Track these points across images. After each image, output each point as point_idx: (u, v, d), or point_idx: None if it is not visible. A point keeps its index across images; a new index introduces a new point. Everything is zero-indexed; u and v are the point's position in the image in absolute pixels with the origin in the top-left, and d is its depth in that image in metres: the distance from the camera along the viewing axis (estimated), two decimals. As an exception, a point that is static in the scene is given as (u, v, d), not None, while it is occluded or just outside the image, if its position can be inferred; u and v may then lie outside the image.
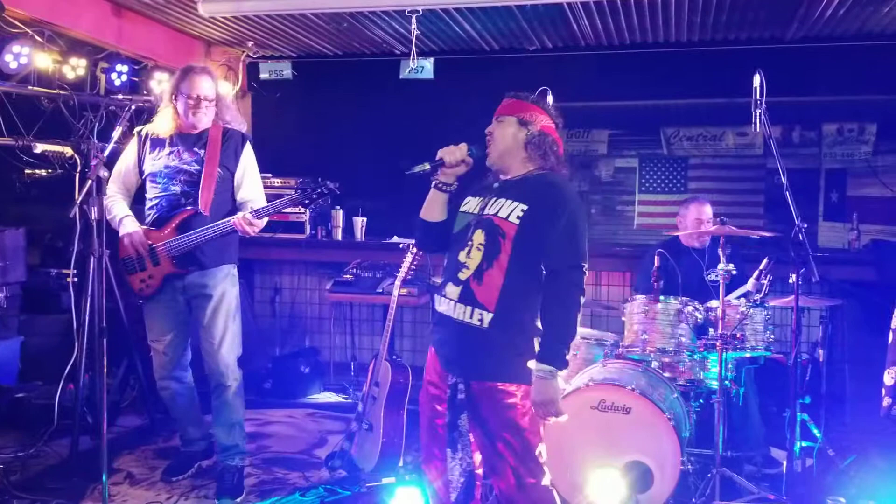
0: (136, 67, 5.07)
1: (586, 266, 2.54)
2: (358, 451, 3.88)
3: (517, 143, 2.66)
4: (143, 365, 4.55)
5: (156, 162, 3.67)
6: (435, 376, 2.70)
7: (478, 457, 2.71)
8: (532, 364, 2.51)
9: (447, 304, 2.62)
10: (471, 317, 2.55)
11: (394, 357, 3.97)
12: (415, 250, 3.97)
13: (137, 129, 3.81)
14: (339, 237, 5.61)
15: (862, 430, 4.31)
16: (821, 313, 4.46)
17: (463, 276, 2.58)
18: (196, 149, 3.65)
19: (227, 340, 3.68)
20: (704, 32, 5.07)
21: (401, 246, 4.03)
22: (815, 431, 4.00)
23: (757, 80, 3.74)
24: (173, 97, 3.66)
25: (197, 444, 3.94)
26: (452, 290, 2.60)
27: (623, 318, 4.09)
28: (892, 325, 3.29)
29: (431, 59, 5.19)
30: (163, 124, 3.68)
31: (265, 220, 3.66)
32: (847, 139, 6.15)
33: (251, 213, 3.54)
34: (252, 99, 6.09)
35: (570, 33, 5.12)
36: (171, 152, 3.66)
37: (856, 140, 6.12)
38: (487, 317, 2.53)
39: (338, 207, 5.63)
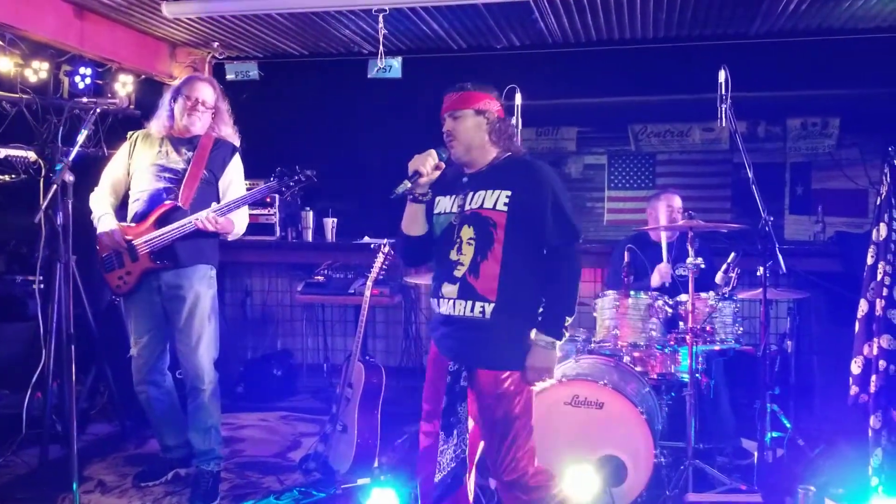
0: (100, 70, 4.99)
1: (581, 236, 2.67)
2: (332, 452, 3.86)
3: (480, 133, 2.69)
4: (112, 371, 4.49)
5: (143, 159, 3.66)
6: (436, 373, 2.77)
7: (475, 447, 2.77)
8: (532, 333, 2.61)
9: (446, 303, 2.66)
10: (472, 310, 2.61)
11: (367, 358, 3.96)
12: (386, 250, 3.97)
13: (130, 133, 3.80)
14: (310, 238, 5.58)
15: (830, 419, 4.38)
16: (788, 305, 4.52)
17: (458, 272, 2.63)
18: (185, 150, 3.65)
19: (203, 343, 3.65)
20: (670, 29, 5.12)
21: (372, 246, 4.02)
22: (785, 422, 4.07)
23: (722, 75, 3.79)
24: (172, 100, 3.66)
25: (175, 450, 3.88)
26: (450, 289, 2.65)
27: (594, 314, 4.12)
28: (858, 316, 3.34)
29: (399, 59, 5.17)
30: (157, 126, 3.68)
31: (241, 220, 3.66)
32: (811, 133, 6.25)
33: (216, 209, 3.52)
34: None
35: (538, 31, 5.14)
36: (159, 151, 3.66)
37: (820, 134, 6.22)
38: (489, 307, 2.59)
39: (308, 208, 5.60)
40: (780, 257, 3.55)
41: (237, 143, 3.85)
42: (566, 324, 2.62)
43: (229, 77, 5.78)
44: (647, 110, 6.52)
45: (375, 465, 3.84)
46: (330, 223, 5.55)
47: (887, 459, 3.21)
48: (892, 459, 3.22)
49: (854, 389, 3.31)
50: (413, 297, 5.63)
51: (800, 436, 4.00)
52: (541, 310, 2.64)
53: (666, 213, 4.41)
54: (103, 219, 3.64)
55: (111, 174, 3.76)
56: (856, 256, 3.82)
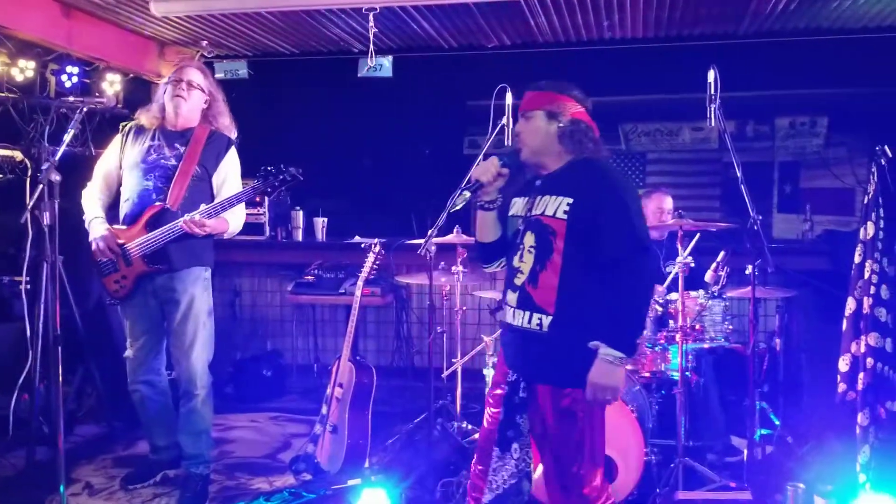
0: (87, 69, 4.95)
1: (649, 248, 2.45)
2: (323, 453, 3.84)
3: (549, 137, 2.53)
4: (100, 372, 4.46)
5: (134, 154, 3.58)
6: (501, 377, 2.64)
7: (538, 460, 2.65)
8: (598, 345, 2.39)
9: (509, 312, 2.56)
10: (529, 322, 2.48)
11: (357, 358, 3.94)
12: (377, 249, 3.94)
13: (123, 124, 3.72)
14: (300, 238, 5.56)
15: (819, 417, 4.39)
16: (777, 303, 4.54)
17: (518, 281, 2.52)
18: (177, 145, 3.57)
19: (197, 346, 3.61)
20: (660, 28, 5.13)
21: (362, 246, 4.00)
22: (774, 419, 4.08)
23: (711, 75, 3.80)
24: (164, 90, 3.60)
25: (164, 452, 3.84)
26: (511, 297, 2.55)
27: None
28: (846, 313, 3.35)
29: (390, 58, 5.16)
30: (147, 116, 3.61)
31: (236, 218, 3.61)
32: (799, 132, 6.29)
33: (200, 212, 3.43)
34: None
35: (528, 30, 5.13)
36: (150, 146, 3.57)
37: (808, 133, 6.26)
38: (547, 320, 2.44)
39: (298, 208, 5.58)
40: (768, 256, 3.56)
41: (234, 135, 3.76)
42: (636, 340, 2.44)
43: (218, 76, 5.73)
44: (638, 110, 6.54)
45: (366, 465, 3.83)
46: (320, 222, 5.53)
47: (875, 456, 3.22)
48: (879, 456, 3.23)
49: (842, 387, 3.32)
50: (404, 296, 5.62)
51: (789, 433, 4.02)
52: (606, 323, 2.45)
53: (656, 212, 4.43)
54: (94, 223, 3.58)
55: (103, 168, 3.69)
56: (844, 255, 3.83)
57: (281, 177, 3.50)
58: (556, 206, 2.45)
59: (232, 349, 5.84)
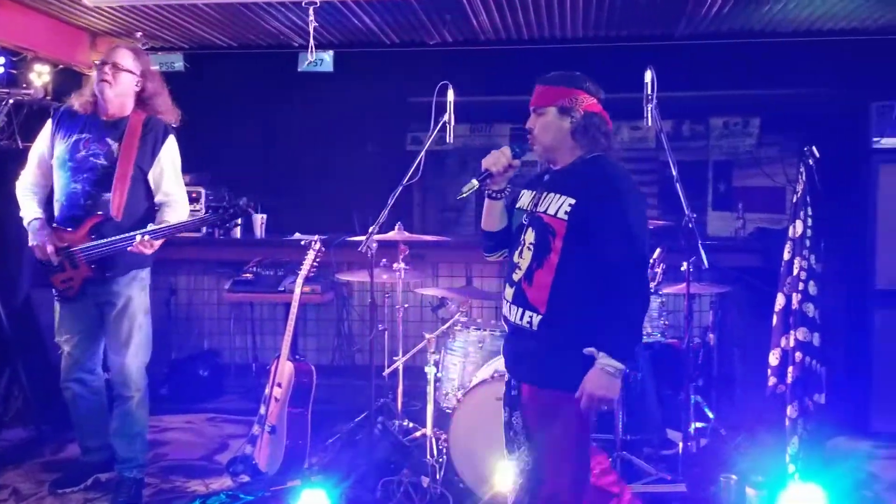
0: (14, 59, 4.75)
1: (647, 257, 2.41)
2: (261, 454, 3.78)
3: (562, 133, 2.47)
4: (27, 373, 4.30)
5: (62, 148, 3.43)
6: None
7: None
8: (593, 352, 2.33)
9: (506, 306, 2.53)
10: (521, 319, 2.45)
11: (297, 357, 3.89)
12: (317, 246, 3.89)
13: (54, 107, 3.55)
14: (238, 235, 5.45)
15: (751, 409, 4.52)
16: (711, 299, 4.65)
17: (516, 276, 2.48)
18: (109, 140, 3.41)
19: (132, 348, 3.51)
20: (599, 28, 5.19)
21: (302, 243, 3.94)
22: (708, 412, 4.18)
23: (648, 75, 3.87)
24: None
25: (96, 453, 3.74)
26: (508, 292, 2.52)
27: (526, 310, 4.14)
28: (776, 309, 3.46)
29: (331, 52, 5.10)
30: (81, 98, 3.45)
31: (181, 214, 3.52)
32: (733, 132, 6.45)
33: (150, 233, 3.32)
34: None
35: (470, 28, 5.14)
36: (79, 140, 3.41)
37: (741, 133, 6.43)
38: (536, 319, 2.41)
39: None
40: (702, 253, 3.64)
41: (173, 119, 3.60)
42: (631, 350, 2.39)
43: (153, 68, 5.59)
44: (577, 108, 6.61)
45: (306, 466, 3.79)
46: (259, 219, 5.44)
47: (803, 447, 3.34)
48: (807, 447, 3.35)
49: (772, 380, 3.42)
50: (345, 294, 5.57)
51: (722, 426, 4.13)
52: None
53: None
54: (33, 225, 3.45)
55: (36, 157, 3.55)
56: (774, 252, 3.95)
57: (232, 210, 3.43)
58: (558, 206, 2.41)
59: (167, 349, 5.70)
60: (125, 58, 3.43)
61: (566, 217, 2.38)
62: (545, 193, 2.48)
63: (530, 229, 2.47)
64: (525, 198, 2.57)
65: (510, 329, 2.56)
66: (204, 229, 5.32)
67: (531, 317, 2.42)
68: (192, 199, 5.21)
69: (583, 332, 2.36)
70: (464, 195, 2.48)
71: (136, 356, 3.53)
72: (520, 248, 2.49)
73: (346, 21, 4.96)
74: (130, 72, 3.45)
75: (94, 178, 3.40)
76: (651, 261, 3.96)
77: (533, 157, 2.65)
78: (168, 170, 3.54)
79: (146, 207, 3.52)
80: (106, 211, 3.39)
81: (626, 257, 2.34)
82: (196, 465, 4.10)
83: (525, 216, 2.51)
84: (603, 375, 2.31)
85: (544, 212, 2.44)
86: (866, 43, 5.15)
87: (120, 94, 3.45)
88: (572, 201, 2.39)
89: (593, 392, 2.31)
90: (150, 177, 3.50)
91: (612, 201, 2.36)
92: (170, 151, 3.55)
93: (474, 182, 2.48)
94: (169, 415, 4.90)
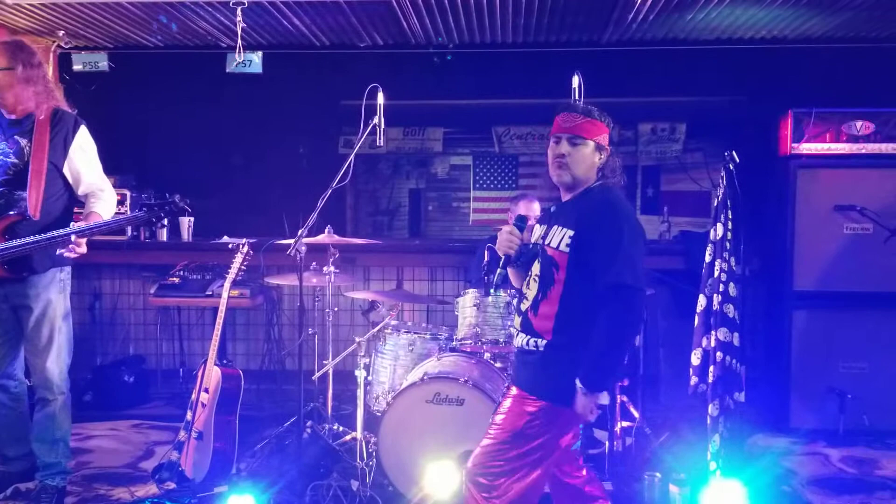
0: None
1: (640, 286, 2.42)
2: (187, 461, 3.70)
3: (593, 168, 2.59)
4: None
5: None
6: None
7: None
8: (577, 384, 2.47)
9: (514, 334, 2.68)
10: (527, 344, 2.59)
11: (224, 361, 3.82)
12: (245, 249, 3.83)
13: None
14: (165, 238, 5.33)
15: (675, 408, 4.65)
16: (638, 301, 4.74)
17: (524, 307, 2.63)
18: (17, 137, 3.30)
19: (53, 351, 3.40)
20: (528, 34, 5.26)
21: (230, 246, 3.88)
22: (634, 412, 4.27)
23: (576, 80, 3.93)
24: None
25: (16, 463, 3.61)
26: (517, 321, 2.67)
27: (456, 313, 4.17)
28: (697, 310, 3.55)
29: (260, 53, 5.04)
30: None
31: (109, 210, 3.44)
32: (660, 138, 6.62)
33: (85, 230, 3.22)
34: (64, 92, 5.64)
35: (401, 31, 5.15)
36: None
37: (668, 139, 6.60)
38: (542, 343, 2.55)
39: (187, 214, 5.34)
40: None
41: (54, 102, 3.45)
42: (605, 376, 2.48)
43: (76, 68, 5.45)
44: (510, 113, 6.69)
45: (233, 472, 3.73)
46: (186, 222, 5.33)
47: (724, 444, 3.43)
48: (728, 444, 3.44)
49: (694, 380, 3.51)
50: (275, 298, 5.50)
51: (647, 425, 4.21)
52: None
53: (522, 208, 4.54)
54: None
55: None
56: (697, 254, 4.06)
57: (167, 207, 3.35)
58: (560, 238, 2.53)
59: (91, 355, 5.55)
60: None
61: (567, 249, 2.50)
62: (553, 226, 2.60)
63: (537, 262, 2.61)
64: (536, 231, 2.71)
65: (518, 352, 2.70)
66: (129, 231, 5.19)
67: (537, 342, 2.57)
68: (117, 203, 5.08)
69: (581, 353, 2.48)
70: (495, 283, 2.69)
71: (57, 359, 3.43)
72: (528, 279, 2.64)
73: (274, 22, 4.91)
74: (7, 68, 3.29)
75: (5, 178, 3.30)
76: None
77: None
78: (85, 161, 3.44)
79: (65, 204, 3.43)
80: (21, 210, 3.28)
81: (616, 284, 2.40)
82: (121, 473, 4.01)
83: (535, 248, 2.65)
84: (578, 395, 2.47)
85: (548, 244, 2.58)
86: (785, 51, 5.36)
87: (3, 90, 3.31)
88: (572, 233, 2.51)
89: (578, 413, 2.49)
90: (67, 171, 3.40)
91: (607, 229, 2.46)
92: (83, 142, 3.45)
93: (500, 271, 2.67)
94: (93, 422, 4.77)
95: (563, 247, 2.51)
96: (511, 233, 2.65)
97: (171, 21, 4.91)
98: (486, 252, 4.11)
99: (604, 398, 2.51)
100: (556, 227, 2.58)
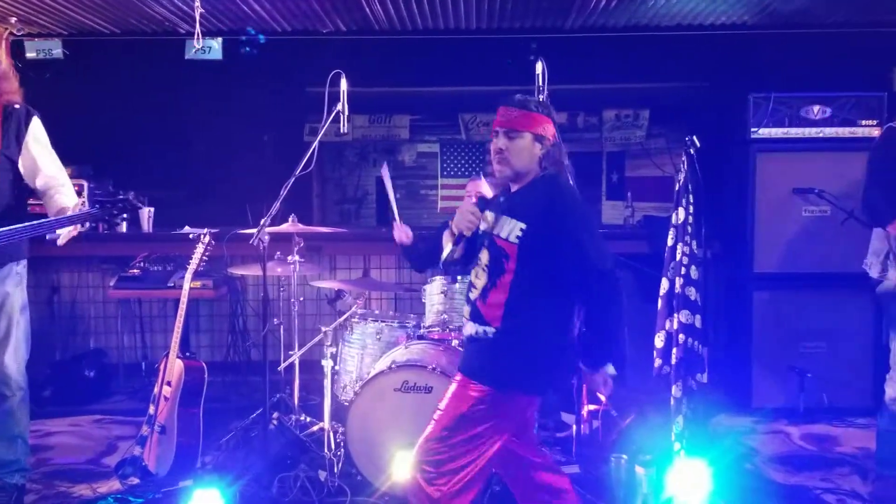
0: None
1: (610, 263, 2.49)
2: (151, 455, 3.66)
3: (533, 159, 2.59)
4: None
5: None
6: None
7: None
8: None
9: (464, 323, 2.68)
10: (475, 333, 2.60)
11: (187, 354, 3.78)
12: (206, 240, 3.79)
13: None
14: (124, 229, 5.22)
15: (641, 390, 4.68)
16: (603, 286, 4.78)
17: (472, 296, 2.63)
18: None
19: (10, 347, 3.32)
20: (492, 20, 5.24)
21: (191, 236, 3.82)
22: (601, 395, 4.30)
23: (539, 67, 3.93)
24: None
25: None
26: (466, 311, 2.67)
27: (424, 300, 4.17)
28: (660, 293, 3.58)
29: (219, 39, 4.97)
30: None
31: (70, 198, 3.38)
32: (624, 124, 6.66)
33: (64, 221, 3.18)
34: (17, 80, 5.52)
35: (363, 17, 5.10)
36: None
37: (632, 125, 6.64)
38: (491, 331, 2.56)
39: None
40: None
41: (17, 98, 3.39)
42: (609, 355, 2.57)
43: (30, 55, 5.32)
44: (476, 100, 6.67)
45: (198, 465, 3.69)
46: (146, 213, 5.23)
47: (688, 425, 3.47)
48: (692, 425, 3.49)
49: (658, 362, 3.55)
50: (239, 288, 5.44)
51: (613, 407, 4.25)
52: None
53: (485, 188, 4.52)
54: None
55: None
56: (660, 238, 4.09)
57: (120, 205, 3.30)
58: (510, 230, 2.54)
59: (50, 349, 5.43)
60: None
61: (517, 241, 2.52)
62: (501, 217, 2.60)
63: (485, 251, 2.61)
64: (487, 219, 2.68)
65: (466, 340, 2.70)
66: (87, 223, 5.07)
67: (486, 330, 2.57)
68: (76, 194, 4.97)
69: (530, 339, 2.55)
70: (446, 261, 2.67)
71: (14, 354, 3.36)
72: (477, 268, 2.63)
73: (234, 7, 4.83)
74: None
75: None
76: None
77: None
78: (41, 153, 3.38)
79: (15, 197, 3.35)
80: None
81: (596, 272, 2.47)
82: (82, 469, 3.95)
83: (485, 238, 2.64)
84: (587, 375, 2.63)
85: (498, 235, 2.58)
86: (745, 38, 5.42)
87: None
88: (523, 226, 2.53)
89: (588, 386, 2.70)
90: (21, 165, 3.33)
91: (563, 223, 2.49)
92: (37, 134, 3.38)
93: (455, 249, 2.66)
94: (53, 418, 4.68)
95: (513, 238, 2.53)
96: (472, 212, 2.63)
97: (128, 9, 4.80)
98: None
99: (610, 369, 2.58)
100: (505, 217, 2.59)
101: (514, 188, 2.67)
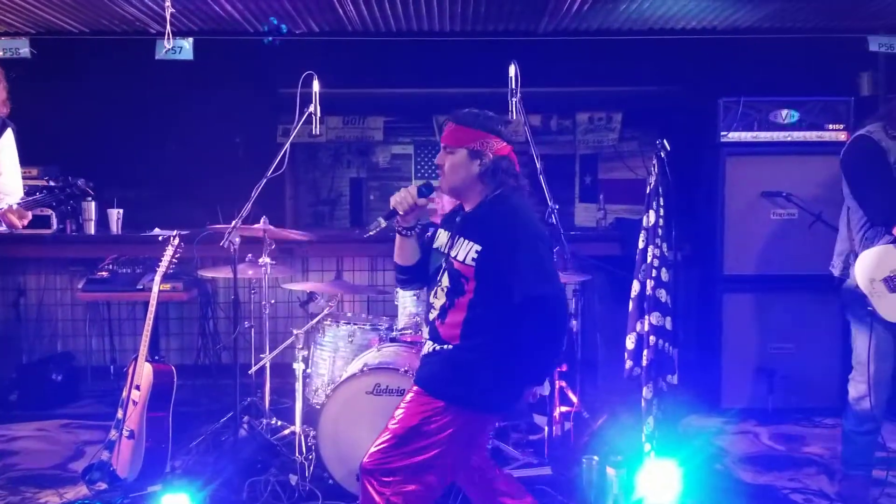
0: None
1: (556, 290, 2.46)
2: (119, 460, 3.61)
3: (470, 176, 2.54)
4: None
5: None
6: None
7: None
8: None
9: (424, 343, 2.69)
10: (433, 350, 2.60)
11: (156, 357, 3.74)
12: (176, 242, 3.75)
13: None
14: (93, 231, 5.17)
15: (612, 392, 4.73)
16: (574, 287, 4.80)
17: (431, 316, 2.61)
18: None
19: None
20: (465, 23, 5.25)
21: (160, 238, 3.78)
22: (572, 397, 4.33)
23: (512, 70, 3.95)
24: None
25: None
26: (425, 331, 2.72)
27: (396, 303, 4.15)
28: (632, 295, 3.60)
29: (190, 40, 4.91)
30: None
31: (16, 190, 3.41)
32: (597, 127, 6.69)
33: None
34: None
35: (337, 18, 5.07)
36: None
37: (604, 128, 6.68)
38: (448, 348, 2.55)
39: (90, 198, 5.17)
40: (565, 243, 3.76)
41: (3, 110, 3.45)
42: (541, 374, 2.61)
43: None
44: (450, 102, 6.59)
45: (167, 470, 3.64)
46: (115, 214, 5.17)
47: (658, 426, 3.50)
48: (662, 426, 3.51)
49: (629, 363, 3.56)
50: (210, 290, 5.39)
51: (585, 409, 4.28)
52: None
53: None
54: None
55: None
56: (631, 240, 4.13)
57: (68, 190, 3.26)
58: (466, 252, 2.51)
59: (16, 353, 5.36)
60: None
61: (473, 263, 2.49)
62: (457, 238, 2.56)
63: (445, 273, 2.57)
64: (441, 238, 2.66)
65: (423, 357, 2.67)
66: (55, 224, 5.01)
67: (443, 348, 2.56)
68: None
69: (495, 358, 2.50)
70: (371, 233, 2.57)
71: None
72: (436, 289, 2.61)
73: (205, 7, 4.78)
74: None
75: None
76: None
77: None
78: (7, 164, 3.41)
79: None
80: None
81: (532, 296, 2.42)
82: (48, 475, 3.89)
83: (442, 259, 2.60)
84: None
85: (454, 257, 2.54)
86: (715, 42, 5.47)
87: None
88: (479, 248, 2.49)
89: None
90: None
91: (514, 244, 2.45)
92: (7, 144, 3.43)
93: (381, 221, 2.56)
94: (19, 423, 4.63)
95: (469, 260, 2.50)
96: (409, 193, 2.58)
97: (98, 9, 4.73)
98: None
99: (543, 389, 2.58)
100: (460, 238, 2.56)
101: (467, 208, 2.63)
